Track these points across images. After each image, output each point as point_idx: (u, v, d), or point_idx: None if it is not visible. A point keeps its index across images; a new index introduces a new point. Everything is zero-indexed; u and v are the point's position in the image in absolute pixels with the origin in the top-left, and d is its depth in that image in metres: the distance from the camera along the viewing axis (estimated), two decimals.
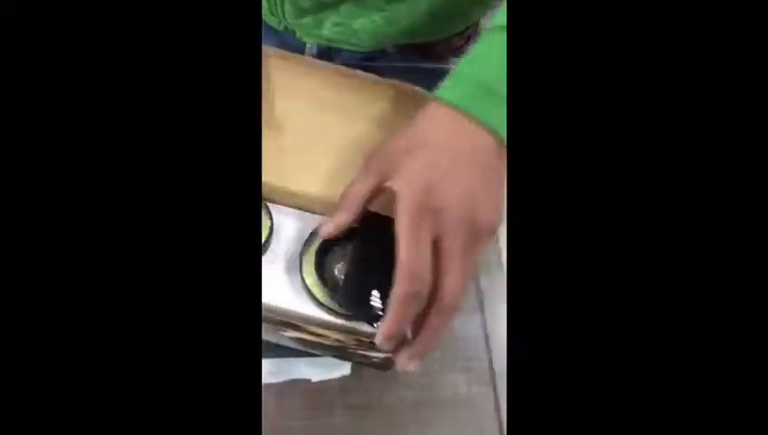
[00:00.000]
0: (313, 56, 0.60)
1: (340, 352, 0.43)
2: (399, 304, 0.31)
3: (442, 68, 0.62)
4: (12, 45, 0.22)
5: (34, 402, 0.22)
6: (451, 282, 0.32)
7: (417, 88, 0.45)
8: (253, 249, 0.26)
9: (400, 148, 0.34)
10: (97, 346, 0.23)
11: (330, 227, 0.35)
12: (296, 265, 0.37)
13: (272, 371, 0.47)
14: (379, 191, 0.34)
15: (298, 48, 0.60)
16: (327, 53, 0.60)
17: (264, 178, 0.38)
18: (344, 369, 0.49)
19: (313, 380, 0.48)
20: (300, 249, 0.37)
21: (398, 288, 0.31)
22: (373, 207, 0.36)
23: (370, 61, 0.62)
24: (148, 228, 0.23)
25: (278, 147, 0.41)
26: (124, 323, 0.23)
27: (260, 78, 0.27)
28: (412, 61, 0.61)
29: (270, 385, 0.47)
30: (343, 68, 0.47)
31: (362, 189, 0.35)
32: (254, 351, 0.24)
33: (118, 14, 0.24)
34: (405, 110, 0.43)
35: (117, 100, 0.24)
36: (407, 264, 0.31)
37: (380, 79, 0.46)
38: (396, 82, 0.46)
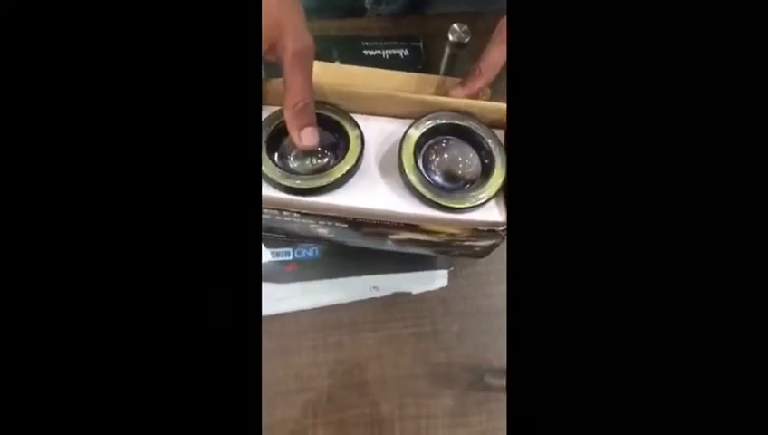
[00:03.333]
0: None
1: (444, 247, 0.44)
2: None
3: None
4: (12, 45, 0.22)
5: (24, 380, 0.22)
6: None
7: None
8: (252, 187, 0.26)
9: None
10: (93, 290, 0.23)
11: (462, 92, 0.40)
12: (394, 168, 0.38)
13: (376, 286, 0.50)
14: None
15: None
16: None
17: (343, 87, 0.39)
18: (442, 280, 0.51)
19: (414, 292, 0.51)
20: (397, 151, 0.38)
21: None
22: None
23: None
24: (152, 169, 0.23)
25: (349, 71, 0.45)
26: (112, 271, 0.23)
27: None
28: None
29: (375, 299, 0.50)
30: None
31: (502, 57, 0.39)
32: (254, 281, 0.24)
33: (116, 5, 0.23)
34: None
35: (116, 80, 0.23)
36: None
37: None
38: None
